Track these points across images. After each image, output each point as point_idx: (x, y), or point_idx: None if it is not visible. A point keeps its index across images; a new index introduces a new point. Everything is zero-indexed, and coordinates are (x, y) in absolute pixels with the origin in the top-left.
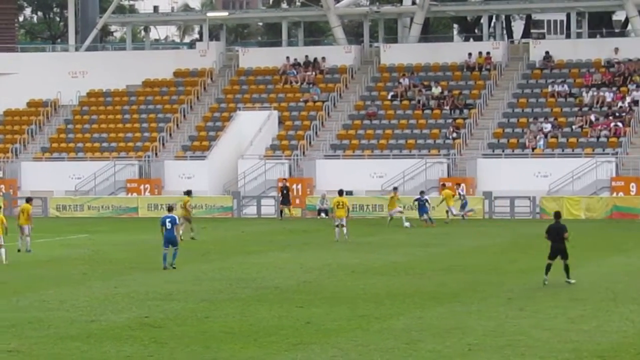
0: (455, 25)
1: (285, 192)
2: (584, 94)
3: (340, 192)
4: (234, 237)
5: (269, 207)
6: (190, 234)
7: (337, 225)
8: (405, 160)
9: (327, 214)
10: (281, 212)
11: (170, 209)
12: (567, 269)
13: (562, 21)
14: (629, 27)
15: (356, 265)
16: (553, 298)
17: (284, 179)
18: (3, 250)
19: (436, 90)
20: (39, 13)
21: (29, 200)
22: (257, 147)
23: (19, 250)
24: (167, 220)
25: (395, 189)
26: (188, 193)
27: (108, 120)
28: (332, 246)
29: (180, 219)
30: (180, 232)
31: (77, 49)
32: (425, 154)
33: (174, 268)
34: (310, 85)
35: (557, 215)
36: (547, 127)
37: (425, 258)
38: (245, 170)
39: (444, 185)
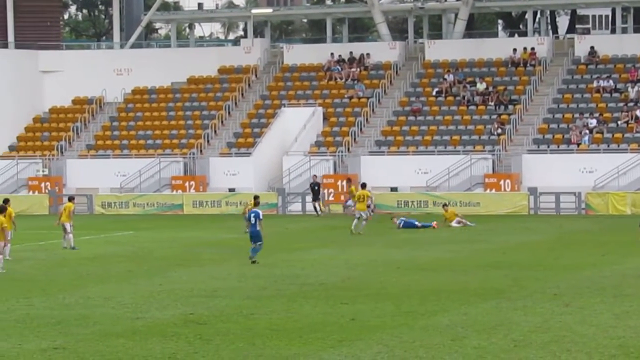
0: (500, 21)
1: (316, 188)
2: (629, 89)
3: (363, 185)
4: (278, 233)
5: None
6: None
7: (358, 218)
8: (450, 156)
9: (372, 211)
10: (315, 208)
11: (257, 203)
12: None
13: (607, 16)
14: None
15: (401, 261)
16: (599, 294)
17: (315, 175)
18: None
19: (481, 86)
20: (84, 11)
21: (71, 199)
22: (302, 143)
23: (64, 248)
24: (252, 215)
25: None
26: (256, 198)
27: (153, 117)
28: (376, 242)
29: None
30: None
31: (122, 47)
32: (470, 150)
33: (254, 262)
34: (355, 82)
35: None
36: (592, 122)
37: (470, 254)
38: (290, 167)
39: (349, 180)
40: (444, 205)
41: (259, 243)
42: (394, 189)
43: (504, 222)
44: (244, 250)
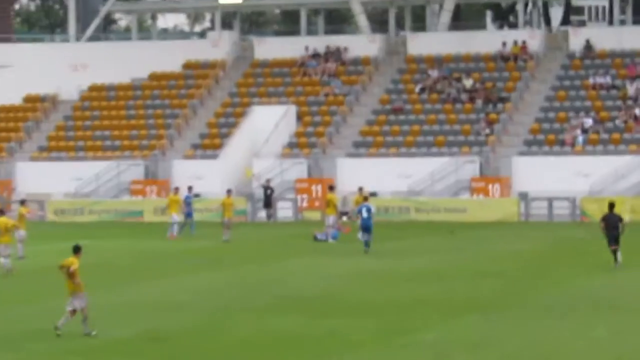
0: (488, 12)
1: (269, 193)
2: (628, 85)
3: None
4: (249, 242)
5: (287, 210)
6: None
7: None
8: (434, 159)
9: (348, 217)
10: (268, 215)
11: (366, 198)
12: (615, 252)
13: (604, 7)
14: None
15: (381, 271)
16: (593, 307)
17: (268, 179)
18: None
19: (468, 83)
20: (37, 0)
21: (22, 202)
22: (273, 145)
23: (19, 258)
24: (364, 209)
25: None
26: (229, 192)
27: (111, 116)
28: (355, 252)
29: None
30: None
31: (78, 40)
32: (456, 152)
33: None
34: (331, 78)
35: (612, 206)
36: (588, 122)
37: (457, 263)
38: (260, 171)
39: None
40: (360, 188)
41: (370, 234)
42: (373, 195)
43: (493, 229)
44: (210, 260)
